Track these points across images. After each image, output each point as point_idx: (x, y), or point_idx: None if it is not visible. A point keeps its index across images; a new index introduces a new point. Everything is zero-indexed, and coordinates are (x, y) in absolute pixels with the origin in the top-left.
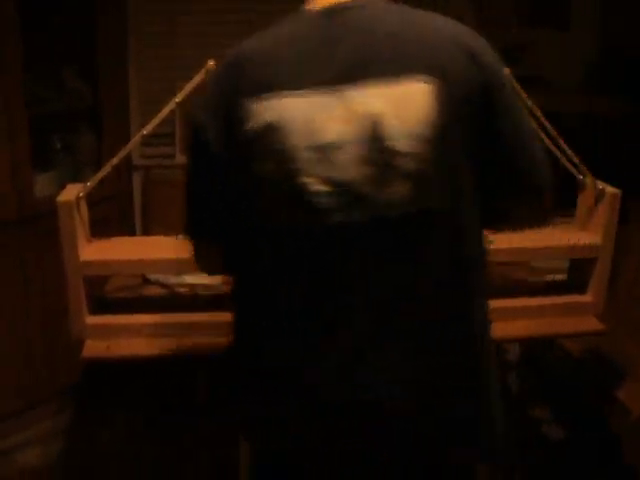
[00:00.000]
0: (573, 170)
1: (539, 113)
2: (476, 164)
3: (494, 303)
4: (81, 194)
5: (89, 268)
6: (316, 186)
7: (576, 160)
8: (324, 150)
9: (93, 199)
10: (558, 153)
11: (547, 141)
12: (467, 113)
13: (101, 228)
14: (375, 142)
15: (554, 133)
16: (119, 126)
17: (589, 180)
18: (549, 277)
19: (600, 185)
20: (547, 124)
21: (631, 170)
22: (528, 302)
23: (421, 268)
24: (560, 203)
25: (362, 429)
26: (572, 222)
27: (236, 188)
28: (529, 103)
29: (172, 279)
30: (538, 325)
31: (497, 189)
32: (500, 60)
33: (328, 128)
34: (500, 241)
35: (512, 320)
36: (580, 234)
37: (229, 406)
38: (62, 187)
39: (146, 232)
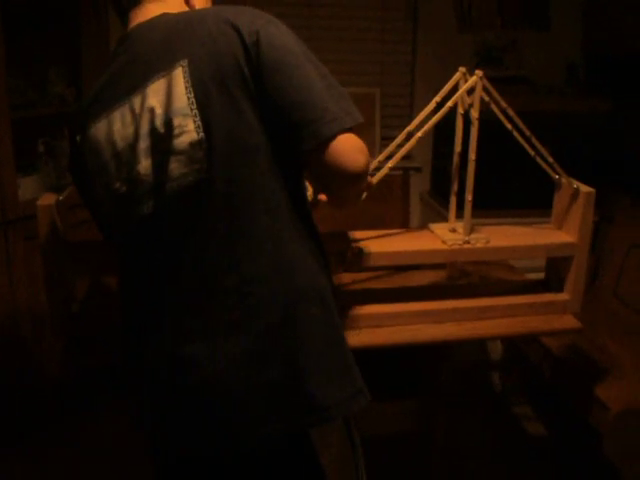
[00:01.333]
0: (549, 170)
1: (512, 113)
2: (269, 127)
3: (474, 302)
4: (61, 197)
5: (68, 270)
6: (123, 188)
7: (551, 160)
8: (122, 155)
9: (76, 201)
10: (533, 153)
11: (522, 142)
12: (232, 80)
13: (84, 231)
14: (153, 133)
15: (528, 133)
16: None
17: (564, 180)
18: (529, 276)
19: (575, 184)
20: (521, 124)
21: (613, 169)
22: (507, 301)
23: (215, 238)
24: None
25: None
26: (549, 221)
27: (89, 203)
28: (503, 103)
29: None
30: (516, 323)
31: (296, 151)
32: (268, 22)
33: (122, 136)
34: (477, 241)
35: (491, 319)
36: (556, 233)
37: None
38: (45, 191)
39: None
